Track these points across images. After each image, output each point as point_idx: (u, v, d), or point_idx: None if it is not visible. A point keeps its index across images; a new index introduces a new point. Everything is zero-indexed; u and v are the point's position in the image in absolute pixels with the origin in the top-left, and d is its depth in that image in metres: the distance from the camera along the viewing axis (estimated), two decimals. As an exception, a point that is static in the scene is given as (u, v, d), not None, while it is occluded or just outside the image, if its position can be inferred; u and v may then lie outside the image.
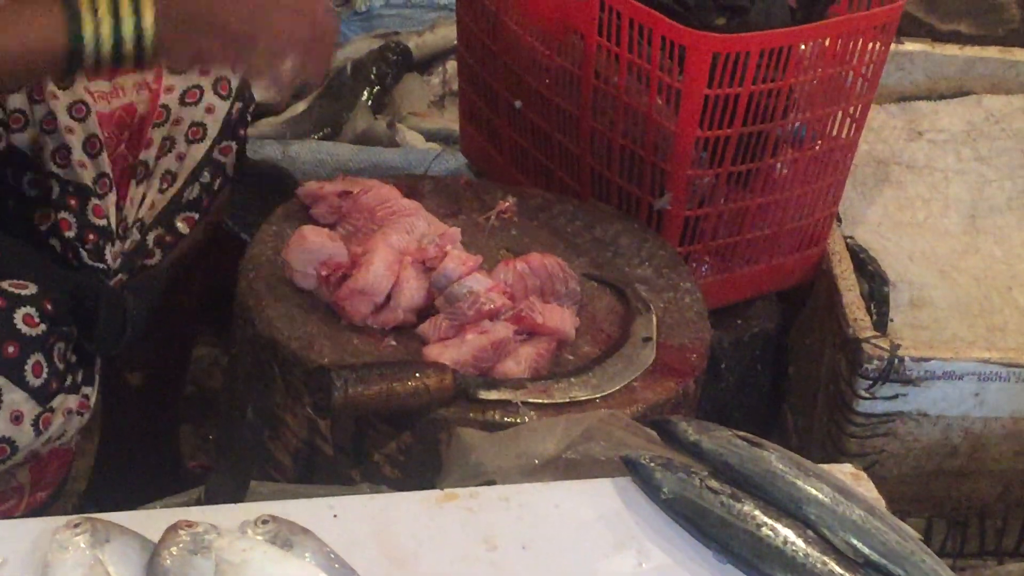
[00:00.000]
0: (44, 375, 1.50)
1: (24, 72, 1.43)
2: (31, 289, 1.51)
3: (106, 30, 1.38)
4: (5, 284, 1.50)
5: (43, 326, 1.49)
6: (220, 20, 1.42)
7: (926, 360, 2.03)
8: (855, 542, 1.31)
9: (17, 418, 1.49)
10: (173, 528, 1.19)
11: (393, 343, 1.67)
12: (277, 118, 2.71)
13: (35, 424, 1.50)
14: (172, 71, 1.55)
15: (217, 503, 1.35)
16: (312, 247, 1.72)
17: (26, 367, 1.48)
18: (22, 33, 1.38)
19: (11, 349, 1.47)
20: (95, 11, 1.38)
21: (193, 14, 1.41)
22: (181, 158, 1.79)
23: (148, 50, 1.40)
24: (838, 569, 1.29)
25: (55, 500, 1.65)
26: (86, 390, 1.58)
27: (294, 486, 1.54)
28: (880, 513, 1.34)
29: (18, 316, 1.48)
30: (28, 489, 1.60)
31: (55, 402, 1.52)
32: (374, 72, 2.77)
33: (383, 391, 1.54)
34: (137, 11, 1.39)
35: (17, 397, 1.48)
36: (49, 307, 1.51)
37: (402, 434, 1.60)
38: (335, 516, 1.31)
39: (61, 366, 1.52)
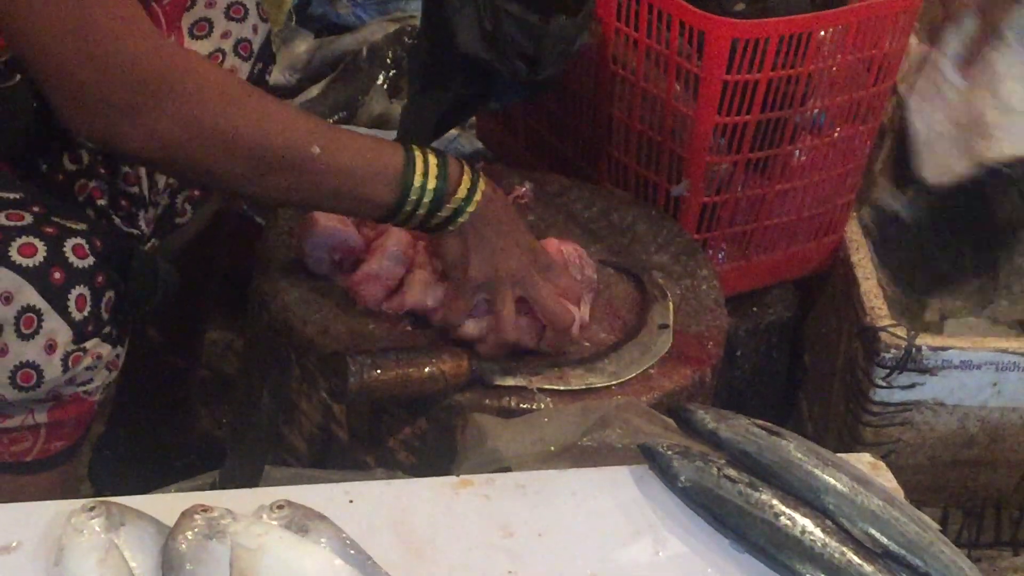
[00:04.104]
0: (87, 311, 1.48)
1: (350, 198, 1.51)
2: (82, 225, 1.50)
3: (432, 176, 1.51)
4: (56, 218, 1.48)
5: (92, 259, 1.47)
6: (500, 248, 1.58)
7: (943, 349, 2.02)
8: (874, 532, 1.30)
9: (51, 347, 1.47)
10: (188, 512, 1.19)
11: (409, 328, 1.67)
12: (293, 101, 2.71)
13: (65, 359, 1.48)
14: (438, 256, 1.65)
15: (232, 487, 1.35)
16: (323, 232, 1.72)
17: (70, 297, 1.46)
18: (371, 144, 1.52)
19: (57, 275, 1.45)
20: (425, 162, 1.52)
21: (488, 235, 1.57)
22: None
23: (456, 225, 1.55)
24: (856, 559, 1.28)
25: (69, 458, 1.62)
26: (118, 350, 1.57)
27: (309, 471, 1.53)
28: (899, 503, 1.34)
29: (68, 245, 1.46)
30: (44, 434, 1.57)
31: (89, 344, 1.50)
32: (390, 55, 2.76)
33: (399, 377, 1.53)
34: (470, 194, 1.54)
35: (56, 325, 1.46)
36: (99, 244, 1.49)
37: (417, 420, 1.59)
38: (351, 502, 1.31)
39: (106, 315, 1.51)
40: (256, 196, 1.57)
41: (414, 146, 1.54)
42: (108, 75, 1.38)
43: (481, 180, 1.56)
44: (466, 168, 1.55)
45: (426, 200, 1.52)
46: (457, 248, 1.57)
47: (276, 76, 2.72)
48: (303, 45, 2.85)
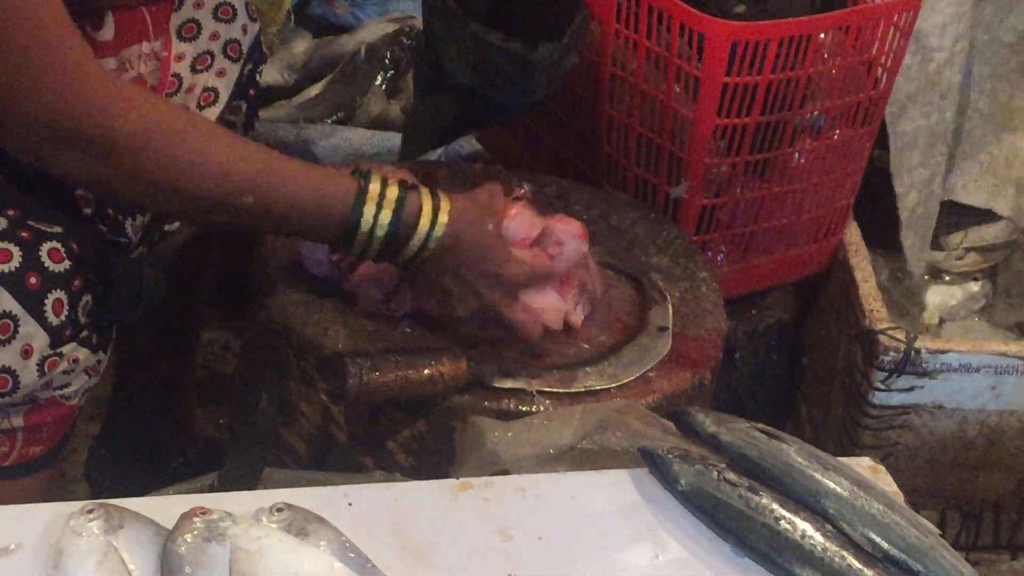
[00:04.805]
0: (64, 316, 1.47)
1: (300, 226, 1.52)
2: (58, 228, 1.48)
3: (385, 217, 1.50)
4: (31, 221, 1.47)
5: (68, 263, 1.47)
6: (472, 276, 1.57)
7: (942, 352, 2.02)
8: (874, 536, 1.30)
9: (27, 352, 1.46)
10: (187, 515, 1.18)
11: (408, 330, 1.66)
12: (291, 101, 2.70)
13: (41, 364, 1.48)
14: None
15: (231, 489, 1.35)
16: None
17: (46, 302, 1.45)
18: (314, 189, 1.50)
19: (33, 280, 1.44)
20: (380, 202, 1.50)
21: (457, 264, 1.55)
22: None
23: (424, 257, 1.53)
24: (856, 564, 1.28)
25: (50, 462, 1.61)
26: (100, 355, 1.56)
27: (308, 473, 1.53)
28: (899, 507, 1.33)
29: (43, 249, 1.46)
30: (21, 439, 1.57)
31: (66, 348, 1.50)
32: (388, 56, 2.76)
33: (398, 379, 1.53)
34: (433, 223, 1.52)
35: (32, 331, 1.45)
36: (75, 247, 1.48)
37: (416, 422, 1.59)
38: (350, 504, 1.30)
39: (83, 319, 1.50)
40: (195, 225, 1.56)
41: (376, 178, 1.52)
42: (35, 114, 1.38)
43: (441, 213, 1.53)
44: (425, 200, 1.53)
45: (379, 235, 1.51)
46: (433, 287, 1.58)
47: (274, 76, 2.73)
48: (301, 45, 2.85)
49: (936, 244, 2.45)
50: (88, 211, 1.62)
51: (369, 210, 1.50)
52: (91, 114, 1.39)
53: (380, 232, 1.51)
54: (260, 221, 1.52)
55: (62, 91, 1.37)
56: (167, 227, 1.79)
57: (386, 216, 1.50)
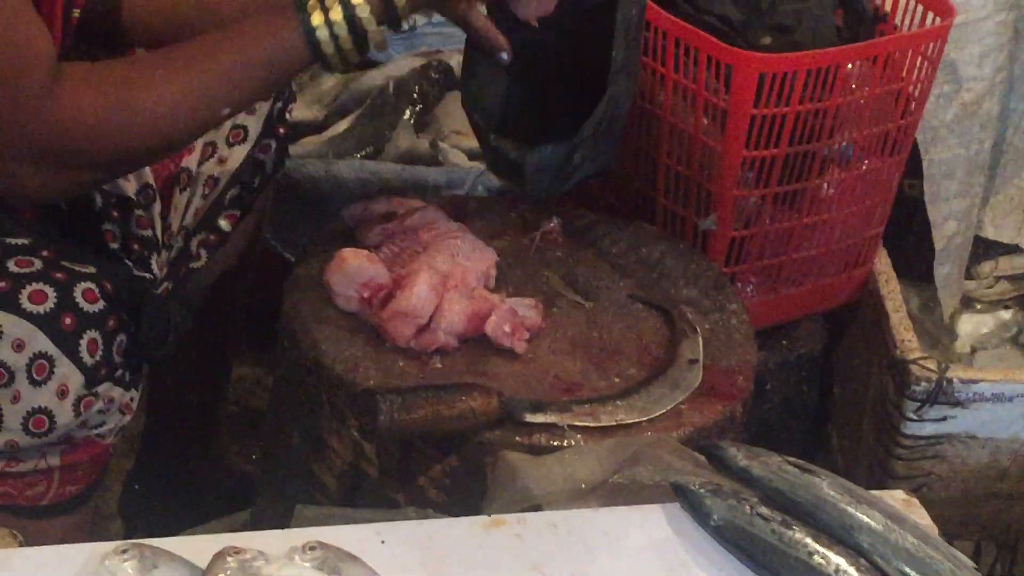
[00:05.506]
0: (98, 356, 1.48)
1: (276, 76, 1.55)
2: (91, 269, 1.50)
3: (337, 15, 1.51)
4: (65, 262, 1.49)
5: (102, 303, 1.48)
6: None
7: (975, 382, 2.01)
8: (908, 570, 1.30)
9: (63, 393, 1.47)
10: (221, 554, 1.19)
11: (439, 365, 1.66)
12: (320, 136, 2.71)
13: (76, 404, 1.49)
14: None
15: (264, 527, 1.35)
16: (352, 269, 1.72)
17: (81, 342, 1.47)
18: (259, 39, 1.51)
19: (68, 321, 1.46)
20: (327, 17, 1.51)
21: None
22: (223, 162, 1.79)
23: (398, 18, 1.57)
24: (891, 598, 1.28)
25: (85, 501, 1.62)
26: (132, 393, 1.57)
27: (340, 510, 1.53)
28: (933, 541, 1.33)
29: (78, 290, 1.47)
30: (57, 478, 1.58)
31: (101, 388, 1.51)
32: (416, 91, 2.77)
33: (429, 415, 1.53)
34: None
35: (68, 371, 1.47)
36: (109, 287, 1.50)
37: (448, 457, 1.59)
38: (383, 542, 1.30)
39: (118, 359, 1.52)
40: None
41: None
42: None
43: None
44: None
45: (342, 33, 1.53)
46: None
47: (303, 112, 2.74)
48: (330, 81, 2.86)
49: (967, 273, 2.44)
50: (115, 246, 1.63)
51: (321, 31, 1.52)
52: (50, 135, 1.42)
53: (344, 43, 1.54)
54: (243, 107, 1.58)
55: (22, 118, 1.41)
56: (192, 264, 1.80)
57: (337, 14, 1.52)
